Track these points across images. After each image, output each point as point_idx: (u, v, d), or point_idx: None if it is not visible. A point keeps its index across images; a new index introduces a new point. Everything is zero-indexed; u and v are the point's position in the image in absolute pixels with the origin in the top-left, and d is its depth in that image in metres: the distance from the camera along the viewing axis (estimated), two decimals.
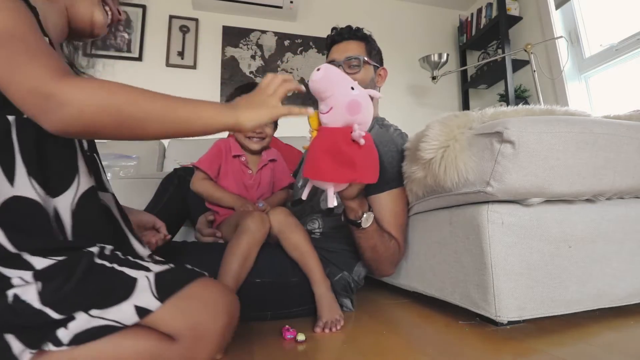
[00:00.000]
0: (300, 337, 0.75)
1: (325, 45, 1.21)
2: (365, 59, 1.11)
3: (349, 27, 1.16)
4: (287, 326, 0.79)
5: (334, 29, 1.18)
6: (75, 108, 0.41)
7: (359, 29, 1.16)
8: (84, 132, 0.45)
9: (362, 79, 1.11)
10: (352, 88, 0.71)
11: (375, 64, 1.16)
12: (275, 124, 1.14)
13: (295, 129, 2.22)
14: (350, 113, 0.70)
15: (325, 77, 0.68)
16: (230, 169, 1.06)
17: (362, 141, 0.70)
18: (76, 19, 0.61)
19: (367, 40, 1.16)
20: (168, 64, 2.40)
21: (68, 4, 0.59)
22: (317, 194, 1.11)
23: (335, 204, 0.75)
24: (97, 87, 0.43)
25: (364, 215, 0.88)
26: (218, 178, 1.09)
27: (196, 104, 0.50)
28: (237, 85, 2.48)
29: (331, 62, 1.14)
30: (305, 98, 2.35)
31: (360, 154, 0.72)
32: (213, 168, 1.05)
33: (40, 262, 0.45)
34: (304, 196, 0.82)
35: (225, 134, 1.51)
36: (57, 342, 0.46)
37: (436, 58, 2.39)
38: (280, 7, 2.50)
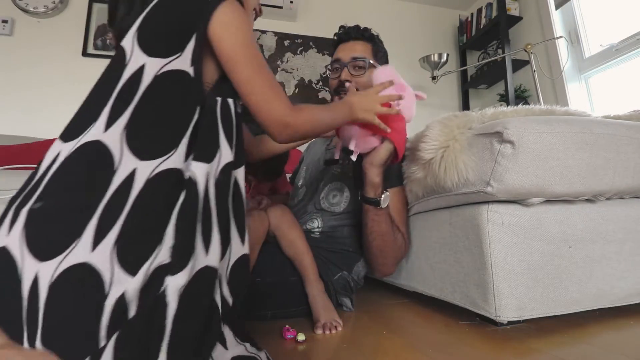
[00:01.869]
0: (300, 337, 0.76)
1: (331, 43, 1.20)
2: (371, 61, 1.11)
3: (356, 27, 1.15)
4: (287, 326, 0.79)
5: (341, 27, 1.18)
6: (301, 133, 0.63)
7: (366, 29, 1.15)
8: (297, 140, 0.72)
9: (366, 81, 1.09)
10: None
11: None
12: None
13: None
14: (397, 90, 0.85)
15: (384, 73, 0.90)
16: None
17: (396, 108, 0.81)
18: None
19: (373, 41, 1.15)
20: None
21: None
22: (317, 192, 1.11)
23: (354, 156, 0.85)
24: (309, 117, 0.64)
25: (384, 195, 0.90)
26: None
27: (335, 110, 0.73)
28: None
29: (336, 61, 1.14)
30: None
31: (397, 122, 0.84)
32: None
33: None
34: (337, 156, 0.92)
35: None
36: None
37: (436, 58, 2.38)
38: (280, 7, 2.50)
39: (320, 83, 2.67)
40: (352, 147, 0.84)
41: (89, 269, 0.41)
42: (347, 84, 1.07)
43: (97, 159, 0.45)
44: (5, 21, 2.13)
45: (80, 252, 0.41)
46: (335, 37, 1.19)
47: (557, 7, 2.29)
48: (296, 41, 2.65)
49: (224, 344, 0.50)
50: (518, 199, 0.79)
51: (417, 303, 1.04)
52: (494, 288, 0.75)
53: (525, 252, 0.77)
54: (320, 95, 2.63)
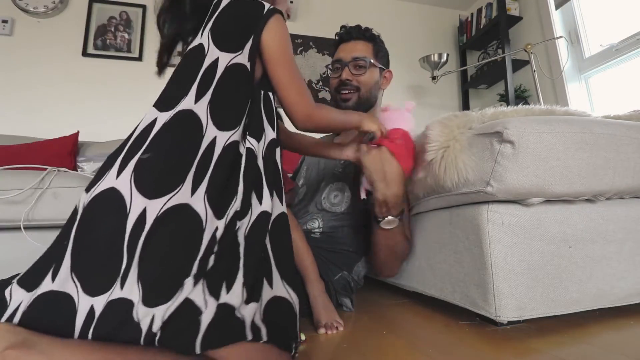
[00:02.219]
0: (301, 336, 0.75)
1: (332, 42, 1.21)
2: (372, 61, 1.11)
3: (357, 27, 1.15)
4: None
5: (342, 27, 1.18)
6: (319, 125, 0.75)
7: (367, 29, 1.15)
8: (313, 131, 0.79)
9: (366, 80, 1.10)
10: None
11: (381, 66, 1.15)
12: None
13: (294, 129, 2.22)
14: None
15: None
16: None
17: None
18: None
19: (375, 41, 1.15)
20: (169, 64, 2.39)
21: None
22: (319, 192, 1.11)
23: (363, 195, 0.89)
24: (327, 114, 0.77)
25: (387, 218, 0.88)
26: None
27: (348, 115, 0.85)
28: None
29: (338, 61, 1.14)
30: None
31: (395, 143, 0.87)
32: None
33: None
34: (363, 195, 0.93)
35: None
36: None
37: (436, 58, 2.38)
38: None
39: (320, 83, 2.67)
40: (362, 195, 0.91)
41: (190, 209, 0.52)
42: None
43: (191, 124, 0.57)
44: (5, 21, 2.13)
45: (183, 194, 0.52)
46: (336, 37, 1.19)
47: (557, 7, 2.29)
48: (296, 41, 2.65)
49: (270, 282, 0.57)
50: (518, 199, 0.79)
51: (417, 303, 1.04)
52: (494, 288, 0.75)
53: (525, 252, 0.77)
54: (320, 95, 2.63)
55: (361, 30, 1.14)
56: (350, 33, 1.15)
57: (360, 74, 1.10)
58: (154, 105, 0.62)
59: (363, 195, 0.91)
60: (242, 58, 0.64)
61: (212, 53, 0.64)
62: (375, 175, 0.85)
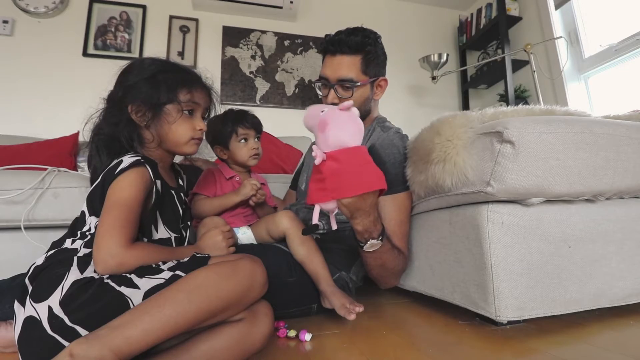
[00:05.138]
0: (291, 333, 0.78)
1: (319, 50, 1.11)
2: (359, 83, 1.03)
3: (343, 36, 1.03)
4: (282, 322, 0.82)
5: (326, 35, 1.07)
6: (124, 267, 0.61)
7: (355, 34, 1.03)
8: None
9: (356, 99, 1.03)
10: (322, 111, 0.79)
11: (373, 78, 1.06)
12: (258, 137, 1.07)
13: (295, 130, 2.22)
14: (321, 131, 0.76)
15: (306, 116, 0.82)
16: (225, 191, 1.07)
17: (316, 160, 0.74)
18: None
19: (363, 50, 1.03)
20: None
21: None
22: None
23: (315, 221, 0.78)
24: (141, 253, 0.63)
25: (370, 242, 0.84)
26: None
27: (182, 251, 0.72)
28: (237, 85, 2.50)
29: (324, 78, 1.06)
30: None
31: (329, 170, 0.73)
32: (212, 191, 1.04)
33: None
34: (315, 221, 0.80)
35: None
36: None
37: (436, 58, 2.38)
38: (280, 7, 2.50)
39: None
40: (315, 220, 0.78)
41: None
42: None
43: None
44: (5, 21, 2.13)
45: None
46: (321, 47, 1.08)
47: (556, 8, 2.29)
48: (296, 41, 2.66)
49: None
50: (518, 199, 0.79)
51: (417, 303, 1.04)
52: (494, 288, 0.75)
53: (525, 252, 0.77)
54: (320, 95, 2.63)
55: (347, 42, 1.02)
56: (335, 46, 1.03)
57: (347, 96, 1.03)
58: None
59: (334, 226, 0.82)
60: None
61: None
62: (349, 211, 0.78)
